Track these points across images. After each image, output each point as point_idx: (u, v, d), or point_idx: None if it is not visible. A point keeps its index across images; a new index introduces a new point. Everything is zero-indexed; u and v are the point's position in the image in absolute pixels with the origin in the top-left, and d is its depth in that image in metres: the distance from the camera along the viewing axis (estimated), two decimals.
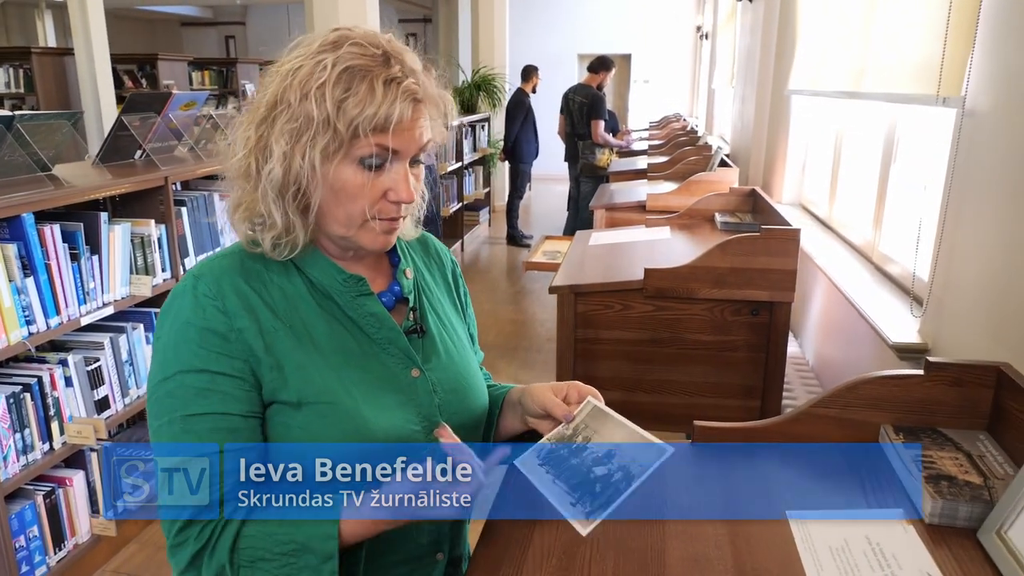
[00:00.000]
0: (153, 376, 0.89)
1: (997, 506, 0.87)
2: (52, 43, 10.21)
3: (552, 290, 2.31)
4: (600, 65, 6.35)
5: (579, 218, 6.20)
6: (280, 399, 0.89)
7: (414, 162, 0.90)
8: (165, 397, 0.87)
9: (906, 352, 1.75)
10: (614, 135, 8.00)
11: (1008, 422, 1.04)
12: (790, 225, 2.21)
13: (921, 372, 1.10)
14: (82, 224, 2.18)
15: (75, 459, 2.26)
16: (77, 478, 2.24)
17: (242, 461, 0.87)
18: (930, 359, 1.09)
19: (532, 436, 1.02)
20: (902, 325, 1.84)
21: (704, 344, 2.27)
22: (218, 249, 0.95)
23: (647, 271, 2.22)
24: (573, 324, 2.31)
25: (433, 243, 1.15)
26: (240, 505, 0.87)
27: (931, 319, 1.71)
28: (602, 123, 6.26)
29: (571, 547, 0.94)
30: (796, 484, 1.04)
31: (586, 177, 6.24)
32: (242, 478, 0.88)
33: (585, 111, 6.25)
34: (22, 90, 7.81)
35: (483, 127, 7.66)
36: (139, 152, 2.75)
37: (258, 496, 0.90)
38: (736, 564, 0.88)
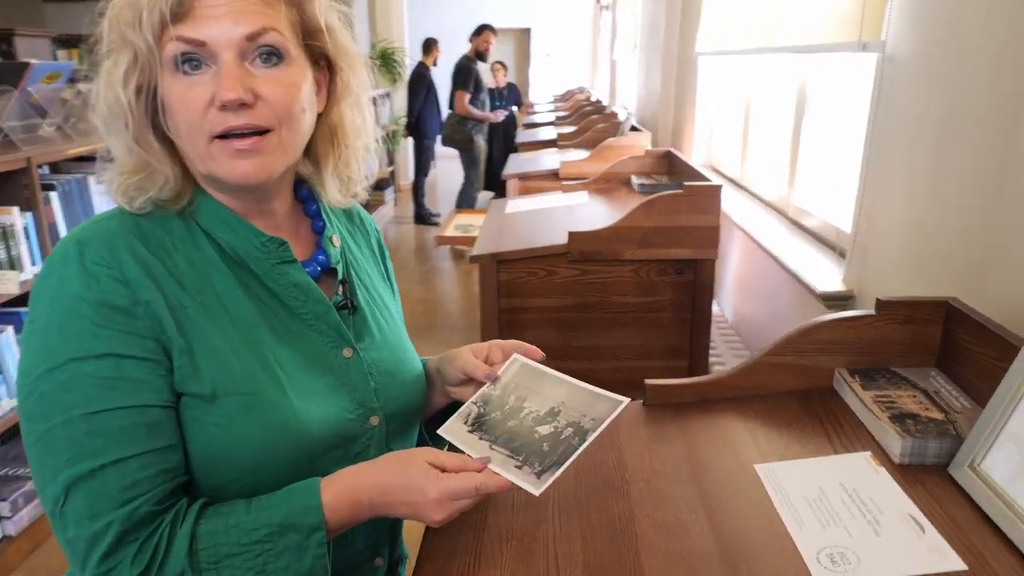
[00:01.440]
0: (31, 369, 0.72)
1: (967, 440, 0.84)
2: None
3: (473, 259, 2.21)
4: (475, 31, 6.22)
5: (464, 193, 6.15)
6: (190, 390, 0.75)
7: (266, 59, 0.75)
8: (56, 392, 0.71)
9: (833, 300, 1.76)
10: (519, 108, 7.92)
11: (958, 356, 1.03)
12: (709, 182, 2.19)
13: (872, 312, 1.06)
14: None
15: None
16: None
17: (173, 460, 0.74)
18: (881, 298, 1.06)
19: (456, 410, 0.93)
20: (826, 275, 1.85)
21: (630, 306, 2.23)
22: (101, 213, 0.81)
23: (571, 235, 2.15)
24: (496, 294, 2.22)
25: (358, 210, 1.03)
26: (187, 507, 0.74)
27: (855, 266, 1.72)
28: (467, 95, 6.12)
29: (532, 527, 0.85)
30: (759, 436, 0.99)
31: (461, 151, 6.21)
32: (175, 480, 0.75)
33: (452, 81, 6.15)
34: None
35: (384, 102, 7.40)
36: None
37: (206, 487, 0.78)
38: (713, 526, 0.82)
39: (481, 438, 0.84)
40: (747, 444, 0.97)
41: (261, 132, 0.76)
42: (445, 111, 6.72)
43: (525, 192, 3.61)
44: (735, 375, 1.09)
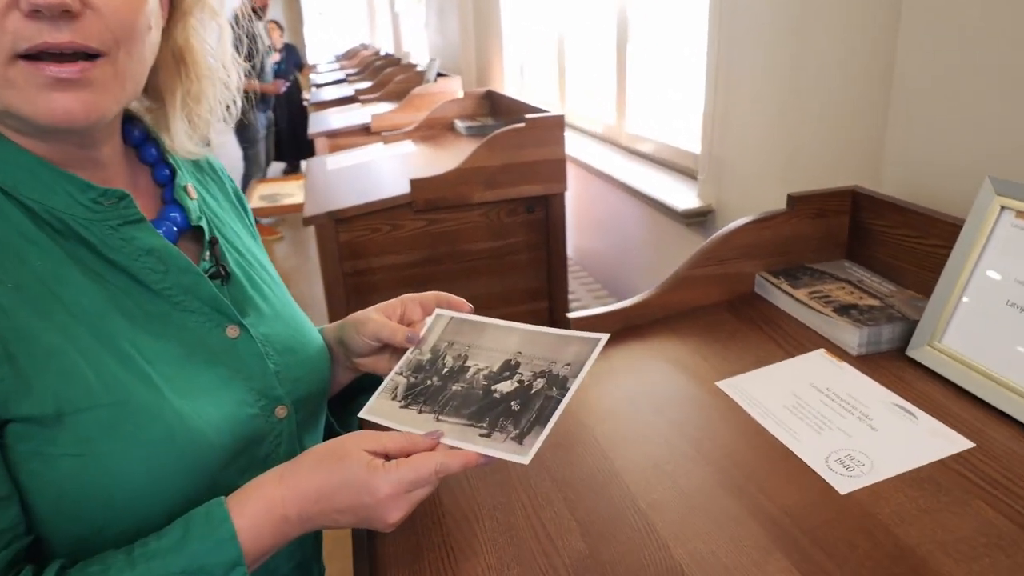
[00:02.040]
0: None
1: (922, 321, 0.83)
2: None
3: (307, 221, 1.95)
4: None
5: (247, 176, 5.54)
6: (21, 413, 0.52)
7: None
8: None
9: (693, 217, 1.76)
10: (300, 71, 7.36)
11: (868, 242, 1.02)
12: (547, 113, 2.10)
13: (785, 209, 1.03)
14: None
15: None
16: None
17: (6, 519, 0.52)
18: (792, 193, 1.02)
19: (369, 387, 0.75)
20: (681, 194, 1.85)
21: (484, 253, 2.11)
22: None
23: (414, 182, 1.96)
24: (338, 256, 1.99)
25: (206, 156, 0.78)
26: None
27: (711, 181, 1.73)
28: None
29: (500, 500, 0.70)
30: (706, 354, 0.91)
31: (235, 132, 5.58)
32: (12, 547, 0.53)
33: None
34: None
35: None
36: None
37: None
38: (704, 456, 0.72)
39: (422, 411, 0.67)
40: (698, 364, 0.89)
41: (90, 57, 0.53)
42: None
43: (336, 150, 3.32)
44: (660, 294, 1.01)
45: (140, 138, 0.68)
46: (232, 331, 0.65)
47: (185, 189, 0.68)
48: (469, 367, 0.69)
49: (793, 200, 1.02)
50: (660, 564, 0.60)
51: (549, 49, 3.05)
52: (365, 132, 3.35)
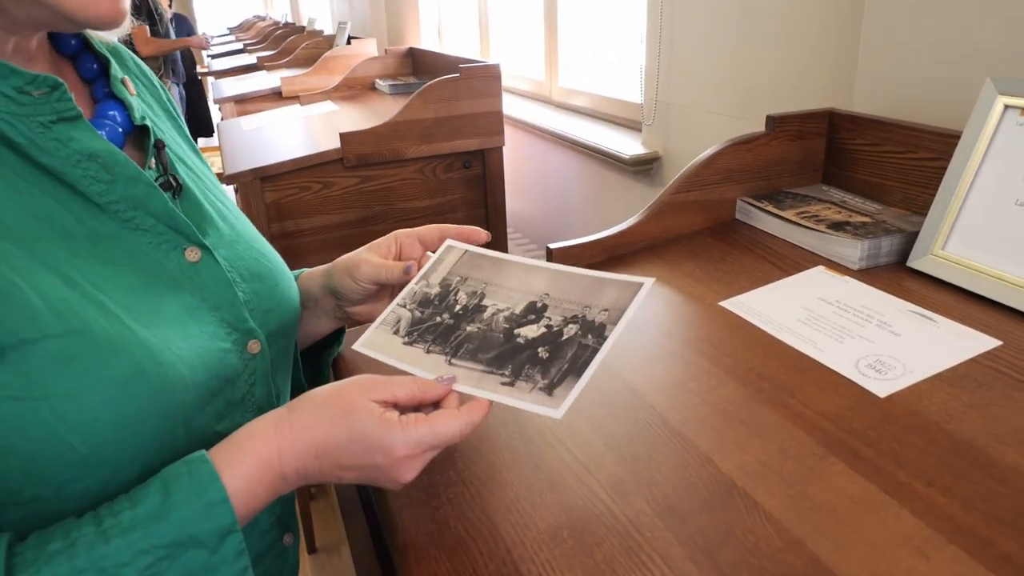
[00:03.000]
0: None
1: (923, 230, 0.81)
2: None
3: (229, 180, 1.80)
4: None
5: None
6: None
7: None
8: None
9: (640, 164, 1.73)
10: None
11: (846, 164, 1.01)
12: (485, 61, 2.02)
13: (764, 131, 1.00)
14: None
15: None
16: None
17: None
18: (773, 114, 0.99)
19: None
20: (623, 143, 1.82)
21: (420, 210, 2.01)
22: None
23: (344, 136, 1.84)
24: (266, 217, 1.84)
25: (129, 54, 0.67)
26: None
27: (656, 127, 1.70)
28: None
29: (515, 432, 0.63)
30: (700, 278, 0.87)
31: None
32: None
33: None
34: None
35: None
36: None
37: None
38: (729, 372, 0.68)
39: (430, 351, 0.58)
40: (693, 286, 0.85)
41: None
42: None
43: (245, 115, 3.11)
44: (643, 222, 0.95)
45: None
46: (192, 254, 0.55)
47: (123, 82, 0.56)
48: (487, 307, 0.61)
49: (773, 121, 0.99)
50: (710, 480, 0.55)
51: (469, 5, 2.95)
52: (276, 97, 3.15)
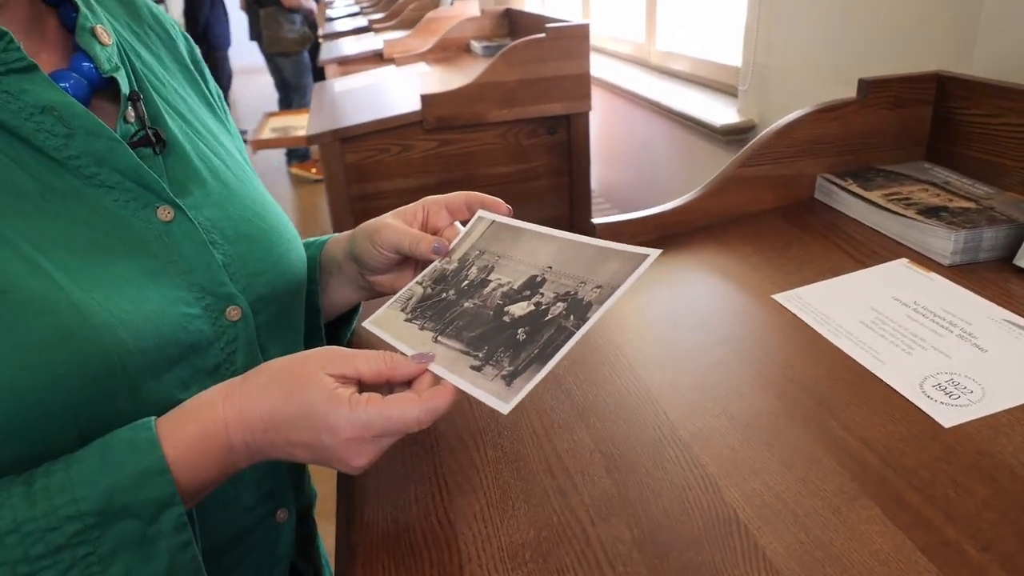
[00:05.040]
0: None
1: None
2: None
3: (311, 140, 1.80)
4: None
5: (291, 97, 5.29)
6: None
7: None
8: None
9: (733, 134, 1.58)
10: (317, 4, 7.05)
11: (954, 136, 0.85)
12: (572, 22, 1.91)
13: (855, 97, 0.86)
14: None
15: None
16: None
17: None
18: (866, 78, 0.85)
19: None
20: (719, 111, 1.67)
21: (501, 177, 1.95)
22: None
23: (425, 98, 1.80)
24: (345, 179, 1.84)
25: (146, 3, 0.63)
26: None
27: (753, 94, 1.55)
28: None
29: (508, 427, 0.57)
30: (758, 264, 0.76)
31: (281, 54, 5.08)
32: None
33: None
34: None
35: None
36: None
37: None
38: (762, 379, 0.58)
39: (423, 327, 0.53)
40: (748, 274, 0.74)
41: None
42: (234, 18, 5.76)
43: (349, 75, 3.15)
44: (702, 197, 0.85)
45: None
46: (164, 212, 0.51)
47: (93, 32, 0.53)
48: (490, 281, 0.55)
49: (865, 86, 0.85)
50: (707, 507, 0.47)
51: None
52: (378, 59, 3.16)
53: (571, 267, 0.53)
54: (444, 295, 0.56)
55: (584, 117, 1.92)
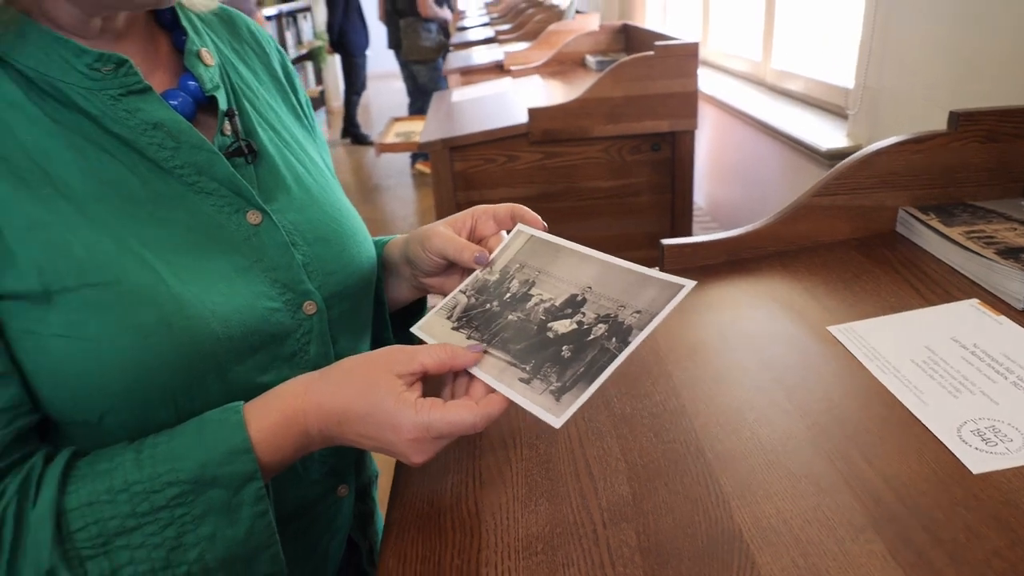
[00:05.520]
0: None
1: None
2: None
3: (423, 147, 1.91)
4: None
5: (424, 102, 5.54)
6: (8, 289, 0.48)
7: None
8: None
9: (839, 158, 1.54)
10: (452, 14, 7.30)
11: None
12: (682, 40, 1.92)
13: (945, 130, 0.83)
14: None
15: None
16: None
17: (5, 396, 0.49)
18: (958, 110, 0.82)
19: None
20: (827, 134, 1.63)
21: (603, 192, 1.98)
22: None
23: (532, 112, 1.86)
24: (452, 186, 1.94)
25: (245, 22, 0.71)
26: (41, 466, 0.49)
27: (863, 117, 1.50)
28: None
29: (545, 430, 0.60)
30: (821, 294, 0.76)
31: (417, 63, 5.34)
32: (15, 425, 0.49)
33: None
34: None
35: (305, 17, 6.79)
36: None
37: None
38: (797, 406, 0.59)
39: (470, 337, 0.58)
40: (809, 304, 0.74)
41: None
42: (373, 22, 6.10)
43: (469, 85, 3.28)
44: (774, 224, 0.85)
45: None
46: (254, 216, 0.59)
47: (198, 55, 0.61)
48: (532, 296, 0.60)
49: (957, 118, 0.83)
50: (714, 524, 0.49)
51: None
52: (498, 69, 3.27)
53: (610, 289, 0.56)
54: (488, 305, 0.61)
55: (689, 135, 1.92)
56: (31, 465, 0.48)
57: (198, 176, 0.56)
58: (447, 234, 0.66)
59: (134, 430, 0.52)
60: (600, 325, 0.54)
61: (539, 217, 0.66)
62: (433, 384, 0.55)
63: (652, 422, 0.60)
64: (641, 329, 0.52)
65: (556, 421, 0.49)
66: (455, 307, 0.63)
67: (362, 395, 0.52)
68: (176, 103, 0.57)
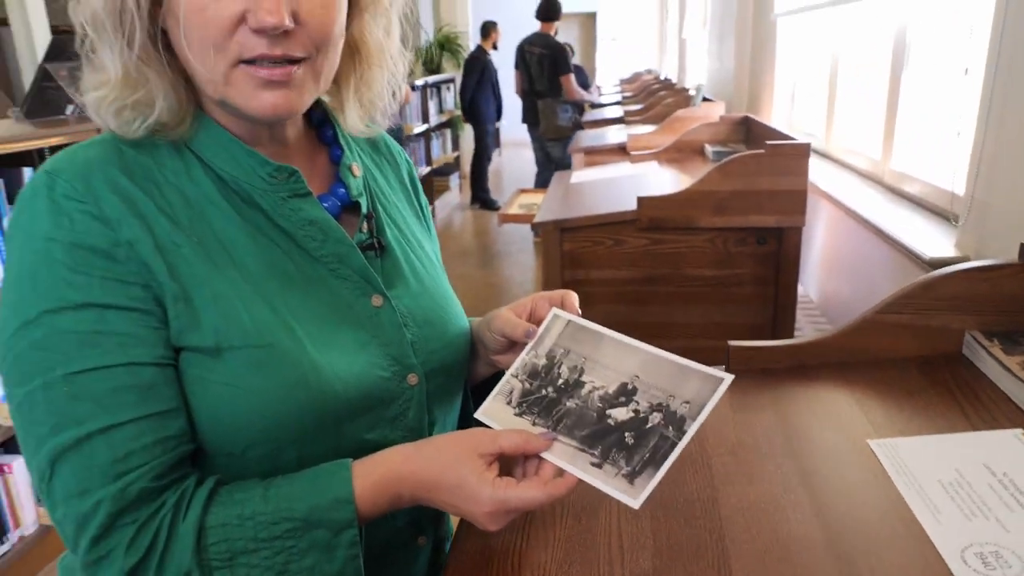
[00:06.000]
0: (5, 325, 0.60)
1: None
2: None
3: (535, 227, 2.07)
4: (553, 10, 5.58)
5: (548, 176, 5.80)
6: (190, 343, 0.63)
7: None
8: (31, 351, 0.59)
9: (943, 267, 1.53)
10: (586, 90, 7.62)
11: None
12: (795, 140, 1.97)
13: (1015, 261, 0.87)
14: (2, 180, 1.89)
15: (13, 443, 1.98)
16: (17, 464, 1.96)
17: (173, 427, 0.62)
18: None
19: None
20: (934, 241, 1.62)
21: (706, 280, 2.04)
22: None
23: (641, 200, 1.97)
24: (560, 265, 2.07)
25: (384, 139, 0.88)
26: (193, 488, 0.61)
27: (972, 227, 1.50)
28: (572, 77, 5.72)
29: (592, 500, 0.70)
30: (872, 408, 0.81)
31: (552, 140, 5.61)
32: (177, 451, 0.62)
33: (546, 64, 5.57)
34: None
35: (448, 88, 7.32)
36: (71, 107, 2.40)
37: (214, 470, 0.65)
38: (818, 510, 0.65)
39: (536, 423, 0.66)
40: (857, 416, 0.80)
41: (294, 61, 0.64)
42: (510, 96, 6.50)
43: (592, 166, 3.44)
44: (839, 336, 0.91)
45: (320, 119, 0.79)
46: (376, 300, 0.72)
47: (350, 168, 0.77)
48: (585, 383, 0.67)
49: None
50: None
51: (821, 73, 2.84)
52: (620, 152, 3.42)
53: (657, 379, 0.64)
54: (544, 391, 0.69)
55: (796, 231, 1.95)
56: (186, 486, 0.62)
57: (338, 264, 0.71)
58: (507, 315, 0.77)
59: (266, 464, 0.65)
60: (656, 414, 0.61)
61: (576, 305, 0.75)
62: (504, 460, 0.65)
63: (685, 508, 0.68)
64: (694, 419, 0.59)
65: (635, 502, 0.56)
66: (511, 392, 0.71)
67: (450, 469, 0.62)
68: (328, 205, 0.73)
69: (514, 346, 0.78)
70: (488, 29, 6.63)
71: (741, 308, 2.05)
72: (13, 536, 1.96)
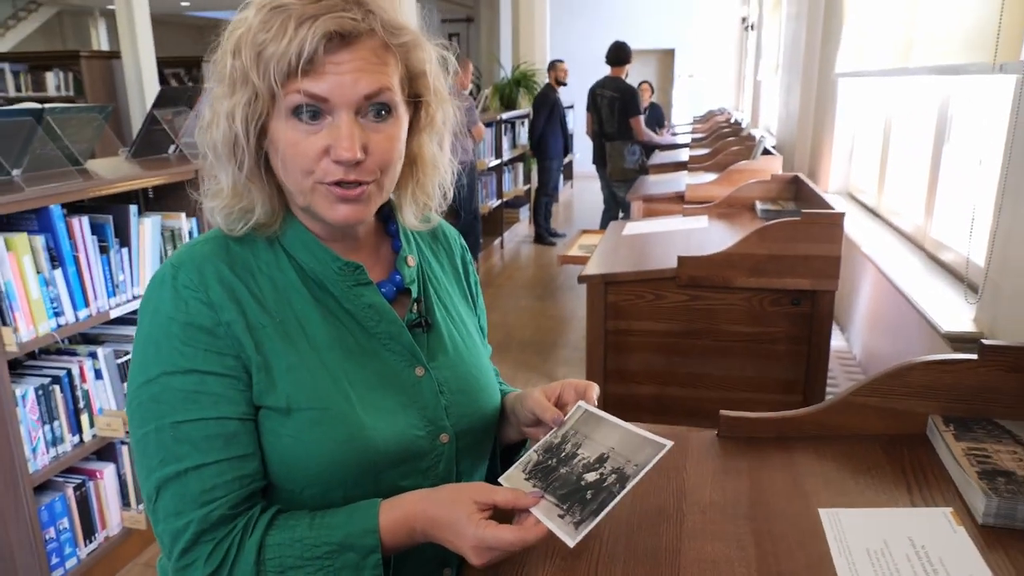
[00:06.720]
0: (134, 378, 0.80)
1: None
2: (104, 48, 10.50)
3: (582, 279, 2.23)
4: (623, 55, 5.73)
5: (614, 215, 5.95)
6: (267, 404, 0.81)
7: (377, 114, 0.79)
8: (149, 402, 0.78)
9: (959, 342, 1.61)
10: (660, 129, 7.73)
11: None
12: (833, 209, 2.08)
13: (975, 357, 0.98)
14: (111, 217, 2.18)
15: (106, 452, 2.26)
16: (108, 471, 2.24)
17: (249, 468, 0.80)
18: (985, 342, 0.97)
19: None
20: (955, 313, 1.70)
21: (741, 336, 2.16)
22: (200, 235, 0.90)
23: (681, 259, 2.12)
24: (603, 315, 2.23)
25: (443, 228, 1.05)
26: (258, 515, 0.80)
27: (987, 305, 1.58)
28: (642, 119, 5.80)
29: (577, 547, 0.86)
30: (832, 479, 0.94)
31: (619, 181, 5.76)
32: (251, 486, 0.81)
33: (617, 107, 5.71)
34: (71, 93, 8.01)
35: (523, 123, 7.59)
36: (172, 147, 2.75)
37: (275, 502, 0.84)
38: (760, 566, 0.79)
39: (535, 486, 0.83)
40: (817, 486, 0.93)
41: (365, 182, 0.80)
42: (580, 134, 6.71)
43: (648, 214, 3.58)
44: (816, 413, 1.04)
45: (387, 214, 0.97)
46: (419, 371, 0.90)
47: (406, 260, 0.95)
48: (577, 455, 0.84)
49: (985, 349, 0.97)
50: None
51: (875, 136, 2.92)
52: (678, 200, 3.55)
53: (625, 449, 0.81)
54: (549, 462, 0.85)
55: (830, 295, 2.05)
56: (253, 512, 0.78)
57: (390, 340, 0.88)
58: (539, 398, 0.92)
59: (318, 500, 0.83)
60: (612, 475, 0.78)
61: (595, 397, 0.91)
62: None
63: (652, 556, 0.83)
64: (635, 477, 0.75)
65: (571, 542, 0.73)
66: (528, 462, 0.88)
67: (450, 511, 0.77)
68: (385, 291, 0.90)
69: (541, 423, 0.93)
70: (553, 65, 6.89)
71: (775, 364, 2.15)
72: (100, 536, 2.23)
